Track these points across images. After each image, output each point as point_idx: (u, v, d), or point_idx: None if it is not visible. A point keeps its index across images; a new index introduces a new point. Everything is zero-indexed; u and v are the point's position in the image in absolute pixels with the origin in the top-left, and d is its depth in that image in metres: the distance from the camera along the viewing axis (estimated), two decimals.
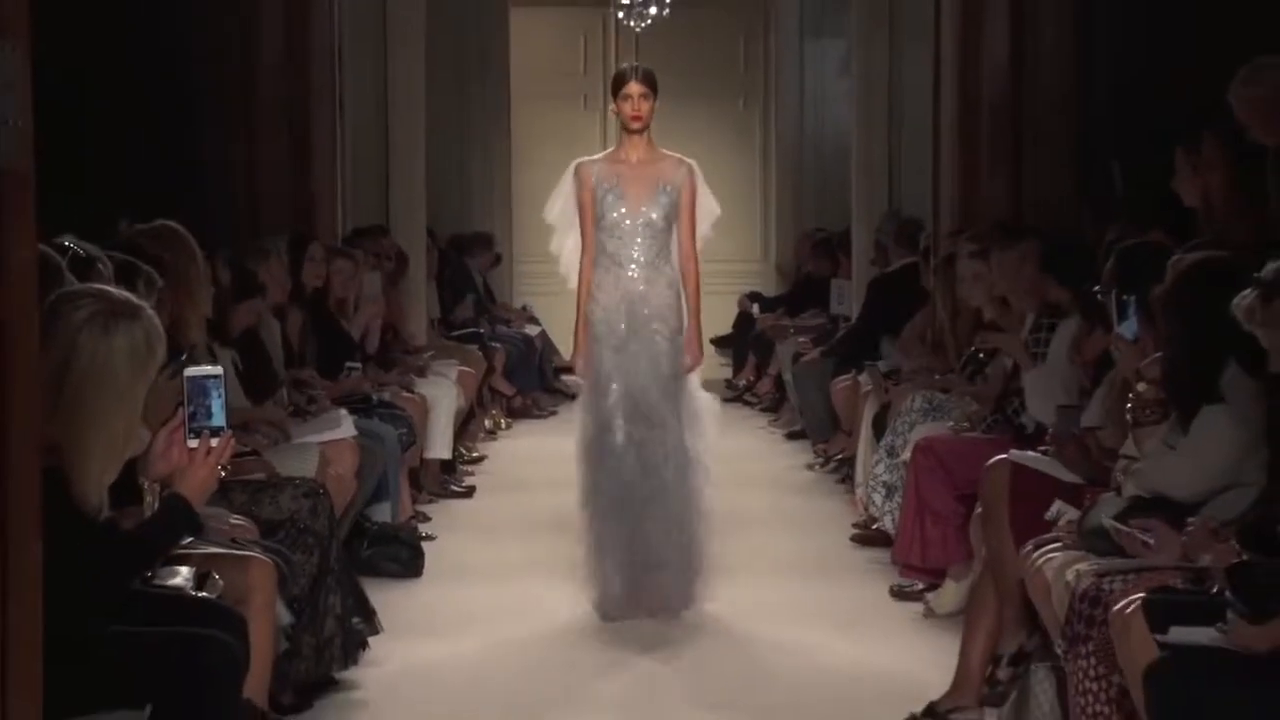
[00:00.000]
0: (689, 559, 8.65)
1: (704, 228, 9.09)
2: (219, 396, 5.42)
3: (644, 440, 8.65)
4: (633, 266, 8.82)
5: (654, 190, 8.81)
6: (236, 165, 11.39)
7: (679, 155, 9.03)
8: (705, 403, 8.98)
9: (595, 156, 9.20)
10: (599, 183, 8.85)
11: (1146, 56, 9.61)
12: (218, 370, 5.53)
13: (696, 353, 8.94)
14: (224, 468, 5.58)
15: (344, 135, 13.64)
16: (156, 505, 5.48)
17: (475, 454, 13.74)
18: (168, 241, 7.64)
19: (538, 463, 12.91)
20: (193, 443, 5.35)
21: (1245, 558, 5.29)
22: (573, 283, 9.07)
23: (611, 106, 9.14)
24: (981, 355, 9.80)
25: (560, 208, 9.10)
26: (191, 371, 5.44)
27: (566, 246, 9.18)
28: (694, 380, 8.93)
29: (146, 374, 5.36)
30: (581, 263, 8.94)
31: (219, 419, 5.40)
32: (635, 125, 8.86)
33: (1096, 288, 7.18)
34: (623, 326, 8.77)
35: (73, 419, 5.17)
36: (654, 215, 8.81)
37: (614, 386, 8.70)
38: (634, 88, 8.81)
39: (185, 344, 7.38)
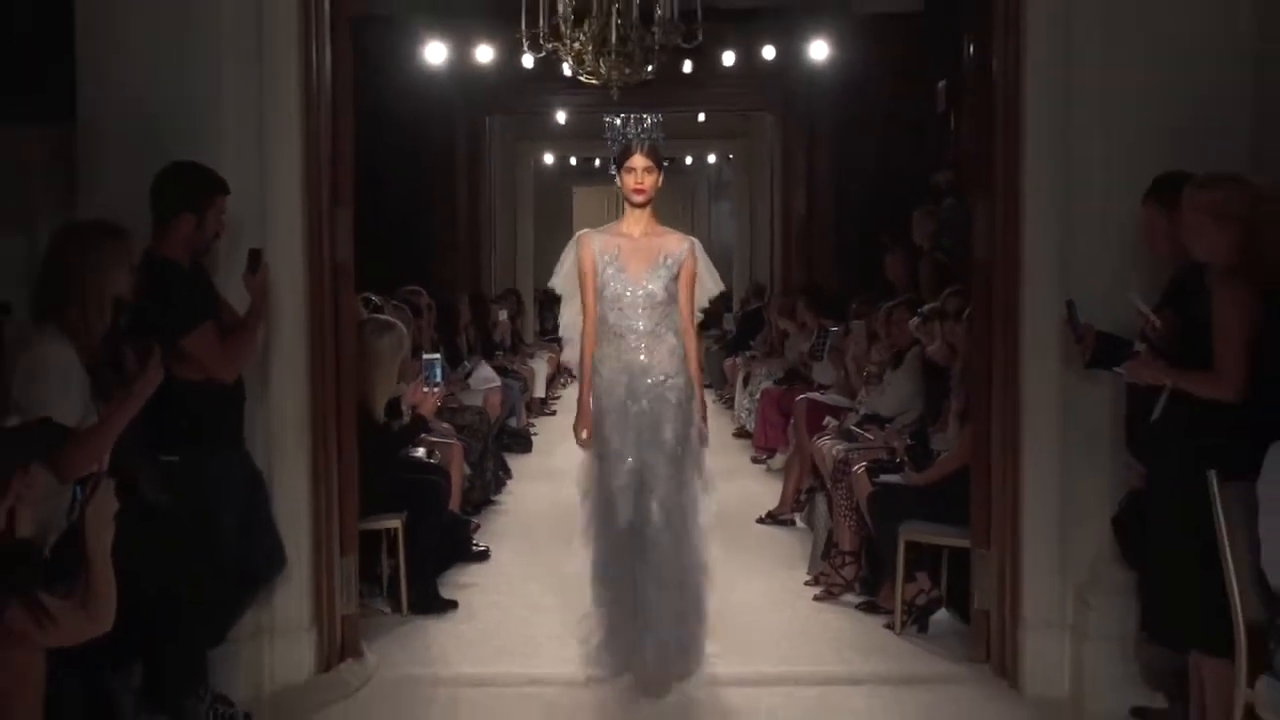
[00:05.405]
0: (690, 617, 4.48)
1: (702, 299, 4.72)
2: (438, 368, 5.57)
3: (649, 513, 4.43)
4: (633, 337, 4.47)
5: (654, 263, 4.51)
6: (447, 256, 11.39)
7: (681, 233, 4.69)
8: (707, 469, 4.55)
9: (599, 229, 4.71)
10: (600, 254, 4.53)
11: (872, 204, 9.62)
12: (437, 356, 5.74)
13: (700, 422, 4.53)
14: (439, 401, 5.77)
15: (496, 246, 13.70)
16: (409, 416, 5.60)
17: (557, 395, 13.74)
18: (415, 296, 7.73)
19: None
20: (425, 390, 5.50)
21: (912, 443, 5.43)
22: (570, 353, 4.82)
23: (617, 182, 4.60)
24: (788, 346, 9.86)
25: (563, 275, 4.75)
26: (427, 357, 5.63)
27: (567, 313, 4.76)
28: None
29: (398, 355, 5.53)
30: (583, 330, 4.59)
31: (438, 378, 5.55)
32: (638, 199, 4.53)
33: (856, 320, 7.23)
34: (624, 397, 4.46)
35: (368, 377, 5.30)
36: (653, 287, 4.49)
37: (627, 462, 4.44)
38: (638, 160, 4.50)
39: (424, 344, 7.48)
